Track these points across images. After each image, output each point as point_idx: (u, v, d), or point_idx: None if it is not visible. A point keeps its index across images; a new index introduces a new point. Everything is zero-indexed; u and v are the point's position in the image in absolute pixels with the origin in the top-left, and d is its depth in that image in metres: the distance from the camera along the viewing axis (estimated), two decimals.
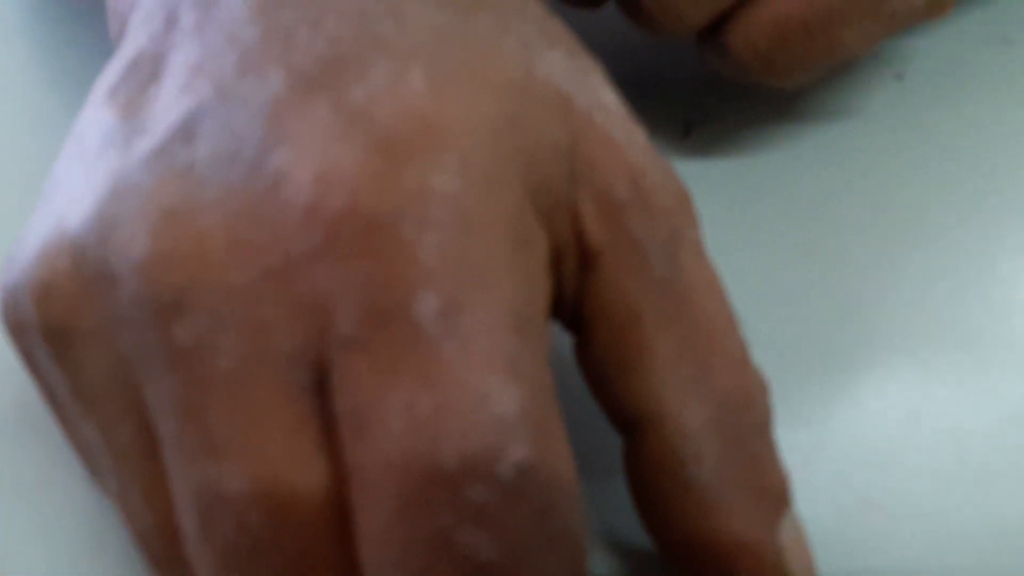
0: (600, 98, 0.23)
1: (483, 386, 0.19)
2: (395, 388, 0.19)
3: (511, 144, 0.21)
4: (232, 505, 0.19)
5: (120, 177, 0.21)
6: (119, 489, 0.21)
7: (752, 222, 0.31)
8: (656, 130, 0.34)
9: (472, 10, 0.23)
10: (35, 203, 0.31)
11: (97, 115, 0.23)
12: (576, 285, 0.23)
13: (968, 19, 0.37)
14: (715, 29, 0.30)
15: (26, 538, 0.25)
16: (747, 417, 0.22)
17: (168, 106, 0.22)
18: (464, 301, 0.19)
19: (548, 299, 0.21)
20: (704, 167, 0.33)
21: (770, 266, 0.30)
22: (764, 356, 0.28)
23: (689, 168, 0.33)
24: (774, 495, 0.22)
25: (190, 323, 0.19)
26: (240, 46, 0.22)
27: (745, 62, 0.30)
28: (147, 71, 0.23)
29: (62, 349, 0.21)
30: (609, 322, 0.22)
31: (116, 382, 0.20)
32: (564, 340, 0.28)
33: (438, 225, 0.19)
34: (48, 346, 0.21)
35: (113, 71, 0.23)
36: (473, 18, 0.23)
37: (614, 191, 0.22)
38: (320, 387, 0.19)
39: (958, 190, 0.32)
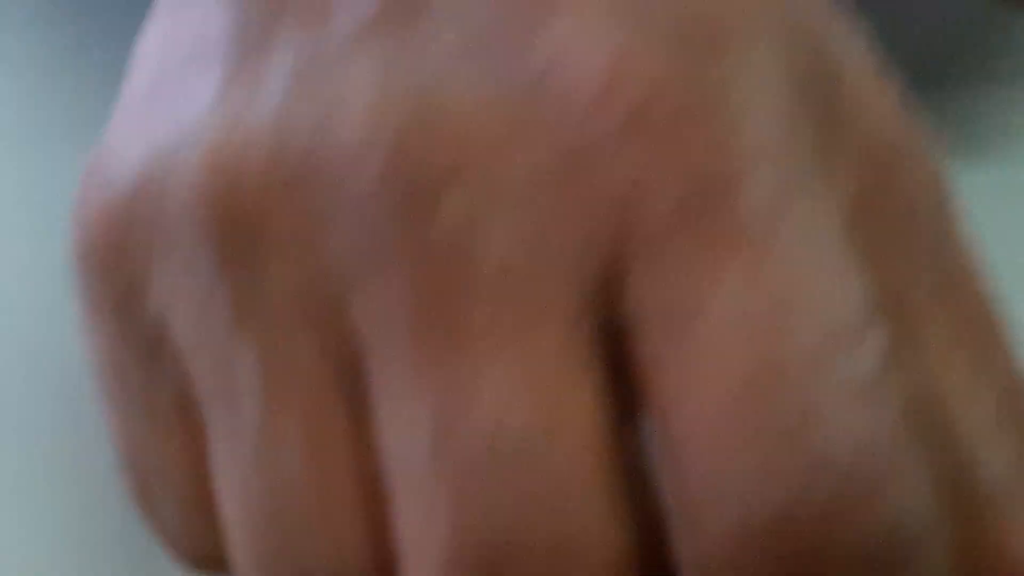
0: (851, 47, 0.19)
1: (827, 282, 0.16)
2: (722, 284, 0.16)
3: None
4: (482, 426, 0.16)
5: (317, 54, 0.17)
6: (264, 424, 0.17)
7: None
8: None
9: None
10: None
11: None
12: None
13: None
14: None
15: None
16: None
17: None
18: (795, 190, 0.16)
19: None
20: None
21: None
22: None
23: None
24: None
25: (455, 207, 0.16)
26: None
27: None
28: None
29: (237, 257, 0.17)
30: None
31: (306, 296, 0.17)
32: None
33: (758, 112, 0.17)
34: (213, 253, 0.17)
35: None
36: None
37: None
38: (602, 292, 0.17)
39: None
